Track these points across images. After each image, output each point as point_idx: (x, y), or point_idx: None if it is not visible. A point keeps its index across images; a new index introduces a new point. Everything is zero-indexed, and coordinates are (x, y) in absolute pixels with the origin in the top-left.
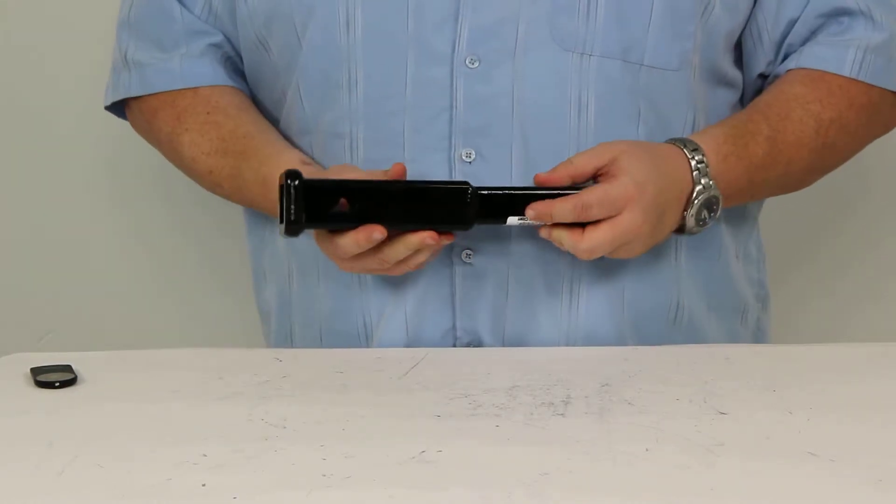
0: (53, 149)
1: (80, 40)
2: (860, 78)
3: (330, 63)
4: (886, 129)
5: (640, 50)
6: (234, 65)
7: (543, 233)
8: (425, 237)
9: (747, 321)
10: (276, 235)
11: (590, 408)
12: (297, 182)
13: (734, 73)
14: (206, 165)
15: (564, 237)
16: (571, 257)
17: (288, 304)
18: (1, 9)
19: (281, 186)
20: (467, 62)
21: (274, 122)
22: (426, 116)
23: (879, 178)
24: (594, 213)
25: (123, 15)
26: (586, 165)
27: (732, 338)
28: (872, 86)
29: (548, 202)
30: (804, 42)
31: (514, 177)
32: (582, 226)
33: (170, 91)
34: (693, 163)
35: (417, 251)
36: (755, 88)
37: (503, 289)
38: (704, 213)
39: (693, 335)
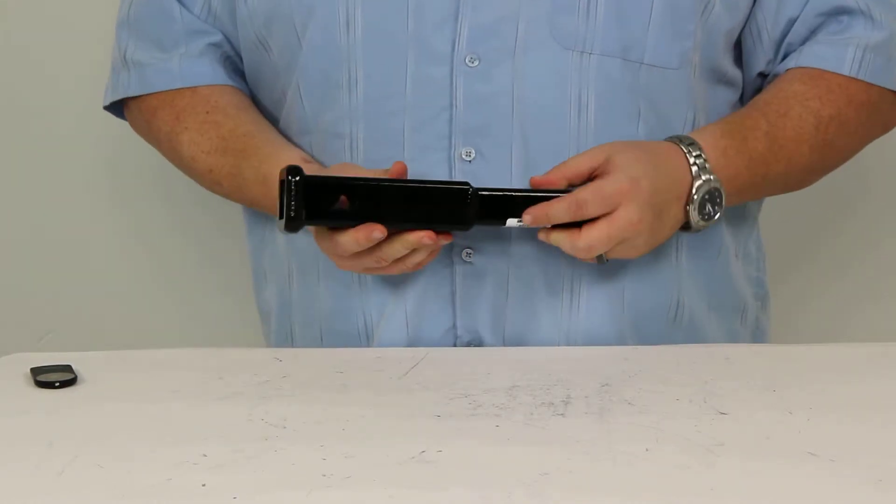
0: (53, 149)
1: (80, 40)
2: (860, 76)
3: (330, 63)
4: (886, 129)
5: (640, 48)
6: (234, 64)
7: (541, 235)
8: (423, 236)
9: (747, 320)
10: (276, 235)
11: (590, 408)
12: (297, 178)
13: (734, 72)
14: (206, 164)
15: (562, 239)
16: (571, 257)
17: (288, 303)
18: (1, 9)
19: (281, 182)
20: (467, 61)
21: (273, 122)
22: (426, 116)
23: (879, 178)
24: (589, 210)
25: (123, 14)
26: (580, 166)
27: (732, 337)
28: (872, 84)
29: (542, 205)
30: (804, 41)
31: (514, 176)
32: (579, 226)
33: (169, 90)
34: (691, 158)
35: (415, 250)
36: (755, 87)
37: (503, 288)
38: (708, 207)
39: (693, 334)
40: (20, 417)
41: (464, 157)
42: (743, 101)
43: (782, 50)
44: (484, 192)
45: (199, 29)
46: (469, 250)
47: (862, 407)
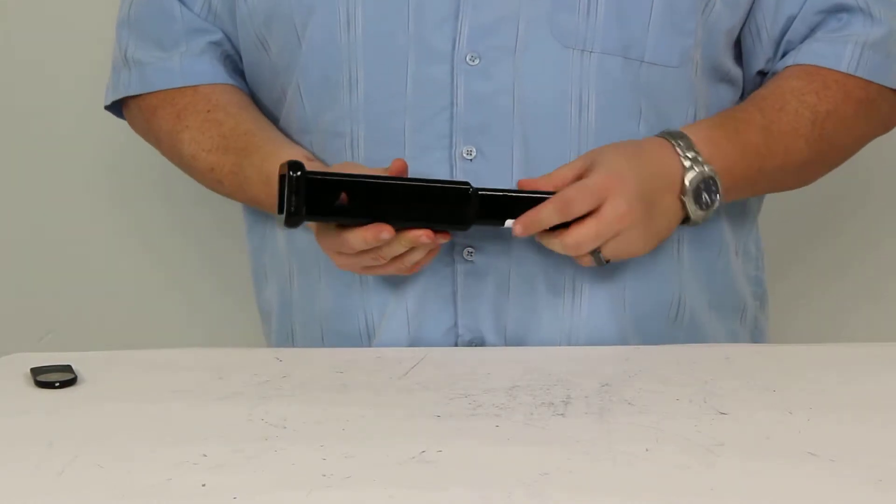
0: (53, 149)
1: (81, 40)
2: (857, 74)
3: (330, 62)
4: (887, 128)
5: (641, 47)
6: (234, 63)
7: (538, 239)
8: (421, 235)
9: (746, 320)
10: (276, 234)
11: (590, 408)
12: (298, 173)
13: (736, 71)
14: (207, 163)
15: (553, 240)
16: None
17: (289, 303)
18: (1, 9)
19: (282, 177)
20: (468, 59)
21: (273, 121)
22: (427, 114)
23: (878, 178)
24: (577, 207)
25: (123, 14)
26: (566, 176)
27: (731, 336)
28: (870, 82)
29: (531, 211)
30: (803, 39)
31: (515, 175)
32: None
33: (169, 89)
34: (679, 149)
35: (413, 249)
36: (755, 86)
37: (505, 287)
38: (704, 196)
39: (694, 333)
40: (20, 417)
41: (465, 155)
42: (743, 99)
43: (781, 48)
44: (483, 193)
45: (200, 28)
46: (470, 249)
47: (862, 407)
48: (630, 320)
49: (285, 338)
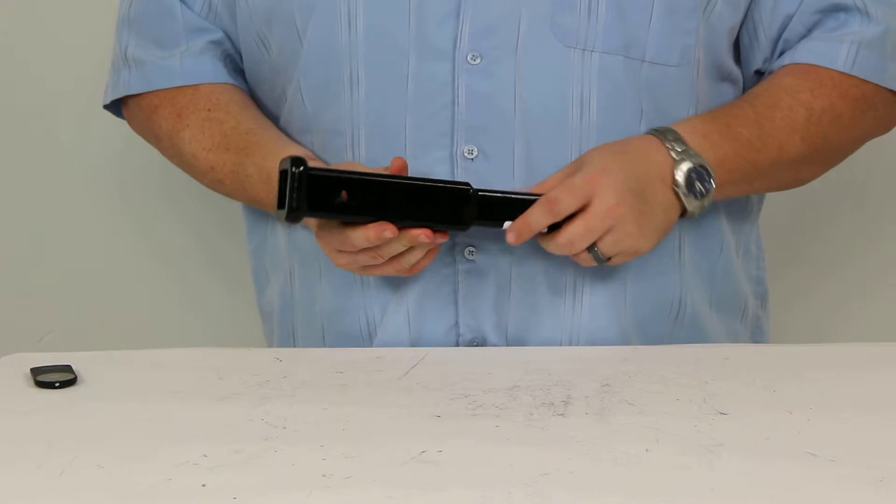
0: (53, 149)
1: (82, 40)
2: (853, 73)
3: (331, 61)
4: (886, 127)
5: (642, 46)
6: (234, 63)
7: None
8: (420, 234)
9: (747, 318)
10: (276, 235)
11: (590, 408)
12: (301, 169)
13: (737, 70)
14: (208, 162)
15: (550, 243)
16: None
17: (290, 303)
18: (1, 9)
19: (283, 172)
20: (469, 58)
21: (273, 120)
22: (428, 113)
23: (878, 177)
24: (564, 206)
25: (123, 12)
26: (556, 179)
27: (732, 336)
28: (866, 81)
29: (520, 217)
30: (800, 38)
31: (517, 174)
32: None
33: (170, 88)
34: (667, 143)
35: (412, 248)
36: (753, 85)
37: (506, 286)
38: (697, 185)
39: (695, 332)
40: (20, 417)
41: (466, 155)
42: None
43: (779, 47)
44: (484, 194)
45: (200, 27)
46: (471, 248)
47: (862, 407)
48: (631, 319)
49: (286, 337)
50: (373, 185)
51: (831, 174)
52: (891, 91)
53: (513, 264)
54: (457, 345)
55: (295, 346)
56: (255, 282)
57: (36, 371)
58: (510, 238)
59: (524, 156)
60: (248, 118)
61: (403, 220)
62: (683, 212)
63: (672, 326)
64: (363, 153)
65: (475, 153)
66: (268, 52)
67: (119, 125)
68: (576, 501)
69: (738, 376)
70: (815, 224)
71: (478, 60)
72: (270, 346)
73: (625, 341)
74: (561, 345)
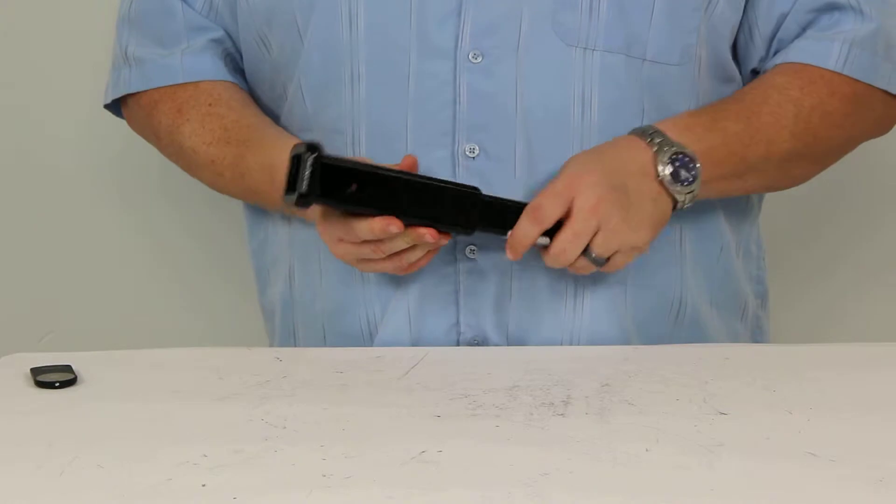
0: (53, 149)
1: (82, 40)
2: (845, 72)
3: (332, 59)
4: (883, 128)
5: (643, 45)
6: (235, 62)
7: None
8: (425, 233)
9: (747, 318)
10: (277, 235)
11: (590, 408)
12: (316, 153)
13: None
14: (208, 155)
15: (546, 259)
16: None
17: (291, 302)
18: (1, 9)
19: (297, 156)
20: (470, 57)
21: (274, 119)
22: (429, 112)
23: (877, 176)
24: (548, 212)
25: (123, 11)
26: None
27: (733, 335)
28: (858, 80)
29: (510, 233)
30: (794, 38)
31: (519, 173)
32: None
33: (170, 85)
34: (646, 138)
35: (414, 247)
36: None
37: (507, 286)
38: (683, 174)
39: (695, 333)
40: (20, 417)
41: (467, 153)
42: None
43: (773, 46)
44: (490, 200)
45: (201, 25)
46: (472, 247)
47: (862, 407)
48: (632, 319)
49: (288, 336)
50: (384, 178)
51: (831, 174)
52: (888, 92)
53: (514, 264)
54: (457, 344)
55: (296, 346)
56: (258, 281)
57: (36, 371)
58: (508, 255)
59: (525, 155)
60: (249, 114)
61: (410, 217)
62: (676, 203)
63: (672, 326)
64: (364, 152)
65: (476, 152)
66: (268, 50)
67: (119, 125)
68: (576, 501)
69: (738, 376)
70: (815, 224)
71: (479, 59)
72: (272, 344)
73: (625, 341)
74: (561, 344)
